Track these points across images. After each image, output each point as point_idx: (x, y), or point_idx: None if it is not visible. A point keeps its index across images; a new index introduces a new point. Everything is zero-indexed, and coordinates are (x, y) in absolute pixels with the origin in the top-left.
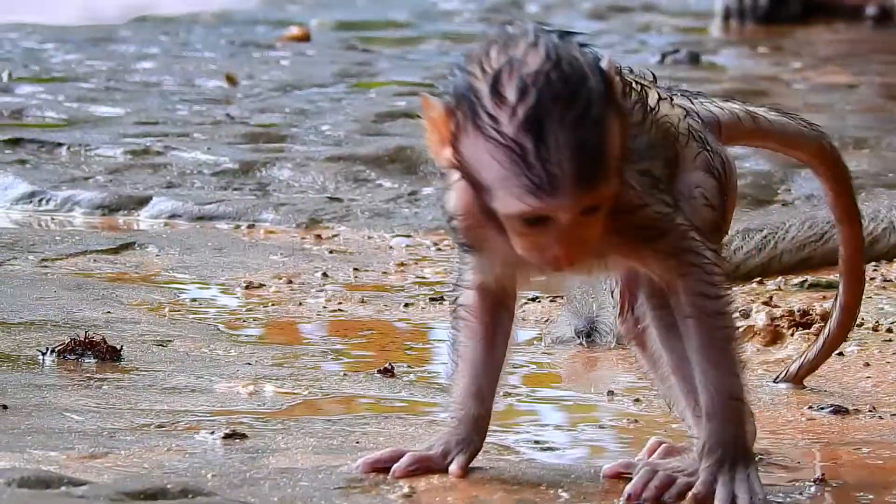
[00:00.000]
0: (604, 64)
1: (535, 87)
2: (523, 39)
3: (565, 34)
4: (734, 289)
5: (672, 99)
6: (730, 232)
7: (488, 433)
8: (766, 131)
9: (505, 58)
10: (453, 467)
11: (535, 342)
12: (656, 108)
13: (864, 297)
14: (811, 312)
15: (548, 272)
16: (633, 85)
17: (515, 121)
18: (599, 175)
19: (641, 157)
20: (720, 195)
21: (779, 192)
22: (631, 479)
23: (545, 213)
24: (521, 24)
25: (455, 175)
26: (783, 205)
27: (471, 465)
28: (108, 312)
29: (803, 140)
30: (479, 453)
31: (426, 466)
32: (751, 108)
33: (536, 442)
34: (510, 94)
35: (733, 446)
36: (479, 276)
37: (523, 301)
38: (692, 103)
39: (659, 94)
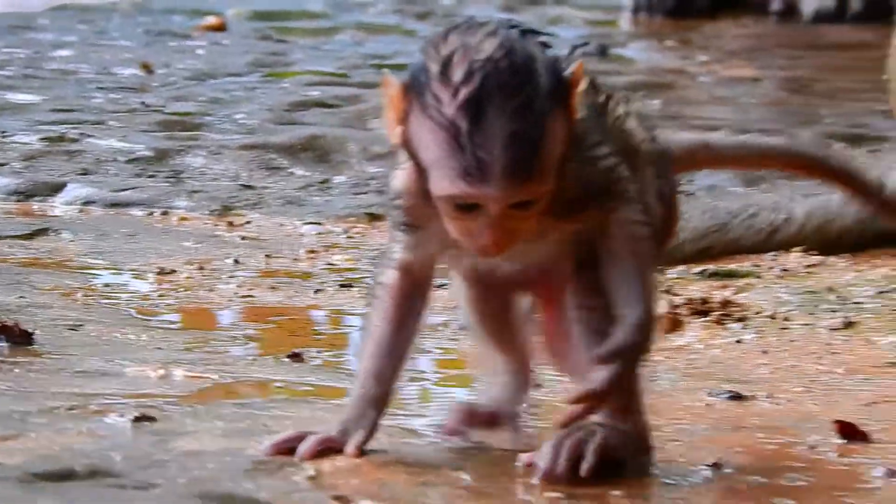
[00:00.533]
0: (570, 68)
1: (481, 72)
2: (483, 28)
3: (532, 32)
4: None
5: (638, 119)
6: None
7: (395, 416)
8: (723, 153)
9: (460, 42)
10: (348, 447)
11: (441, 328)
12: (622, 119)
13: (763, 286)
14: (710, 301)
15: (482, 257)
16: (604, 94)
17: (456, 102)
18: (532, 171)
19: (594, 148)
20: (664, 224)
21: (681, 183)
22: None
23: (474, 200)
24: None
25: (403, 155)
26: (686, 196)
27: (377, 448)
28: (22, 297)
29: (771, 152)
30: (383, 435)
31: (329, 447)
32: (704, 136)
33: (441, 426)
34: (456, 75)
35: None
36: (407, 257)
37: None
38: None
39: (627, 110)
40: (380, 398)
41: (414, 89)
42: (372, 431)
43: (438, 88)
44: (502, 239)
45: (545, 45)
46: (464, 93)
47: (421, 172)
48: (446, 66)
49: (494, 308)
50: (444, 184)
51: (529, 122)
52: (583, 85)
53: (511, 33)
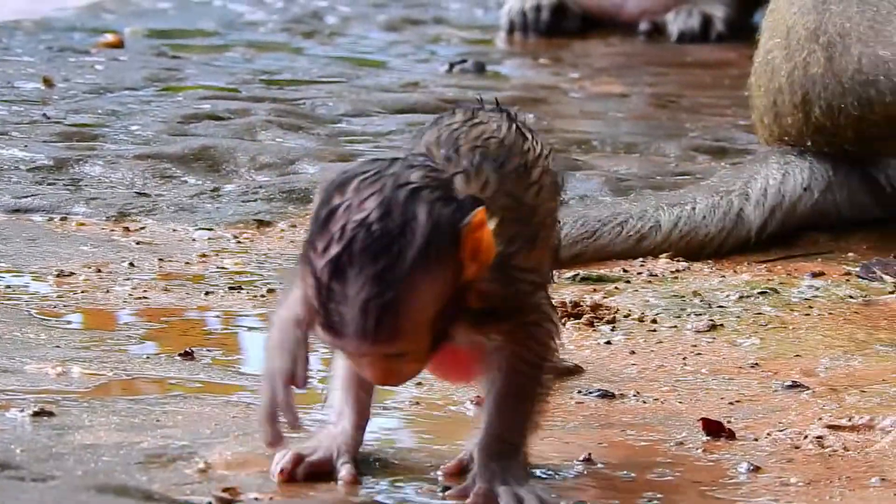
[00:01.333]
0: (467, 218)
1: (350, 234)
2: (377, 181)
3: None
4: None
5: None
6: None
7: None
8: None
9: (348, 196)
10: (343, 474)
11: None
12: (545, 156)
13: (632, 290)
14: (582, 304)
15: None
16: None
17: (323, 259)
18: (390, 333)
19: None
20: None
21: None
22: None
23: (338, 349)
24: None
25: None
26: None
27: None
28: None
29: None
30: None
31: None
32: None
33: (322, 422)
34: (330, 232)
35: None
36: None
37: None
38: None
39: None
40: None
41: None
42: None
43: (317, 239)
44: (384, 378)
45: (446, 197)
46: (331, 252)
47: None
48: (327, 219)
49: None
50: (317, 328)
51: (391, 286)
52: (482, 233)
53: (400, 193)
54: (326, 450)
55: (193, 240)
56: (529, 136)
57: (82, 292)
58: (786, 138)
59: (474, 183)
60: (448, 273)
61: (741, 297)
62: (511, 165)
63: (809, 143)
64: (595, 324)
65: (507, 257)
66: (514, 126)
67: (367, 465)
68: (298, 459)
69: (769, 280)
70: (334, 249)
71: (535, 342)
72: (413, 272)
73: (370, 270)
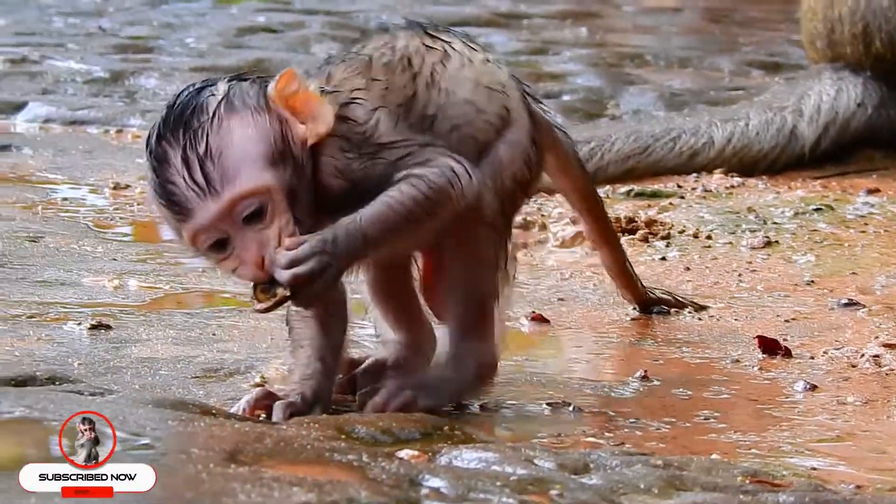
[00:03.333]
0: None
1: (158, 119)
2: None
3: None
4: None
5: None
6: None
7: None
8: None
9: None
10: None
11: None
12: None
13: (686, 206)
14: (636, 219)
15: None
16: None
17: (146, 151)
18: (221, 175)
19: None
20: (522, 188)
21: (608, 106)
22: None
23: (194, 236)
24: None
25: None
26: (612, 118)
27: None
28: None
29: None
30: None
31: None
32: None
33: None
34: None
35: None
36: None
37: None
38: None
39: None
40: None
41: None
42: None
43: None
44: (256, 253)
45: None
46: (151, 139)
47: None
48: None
49: (391, 290)
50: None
51: (202, 138)
52: (295, 92)
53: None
54: (299, 394)
55: None
56: (436, 44)
57: (138, 205)
58: (839, 62)
59: (319, 78)
60: (262, 118)
61: (796, 214)
62: (385, 62)
63: (868, 73)
64: (650, 239)
65: (364, 134)
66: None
67: None
68: (268, 397)
69: (824, 196)
70: (149, 134)
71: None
72: (219, 123)
73: (180, 135)
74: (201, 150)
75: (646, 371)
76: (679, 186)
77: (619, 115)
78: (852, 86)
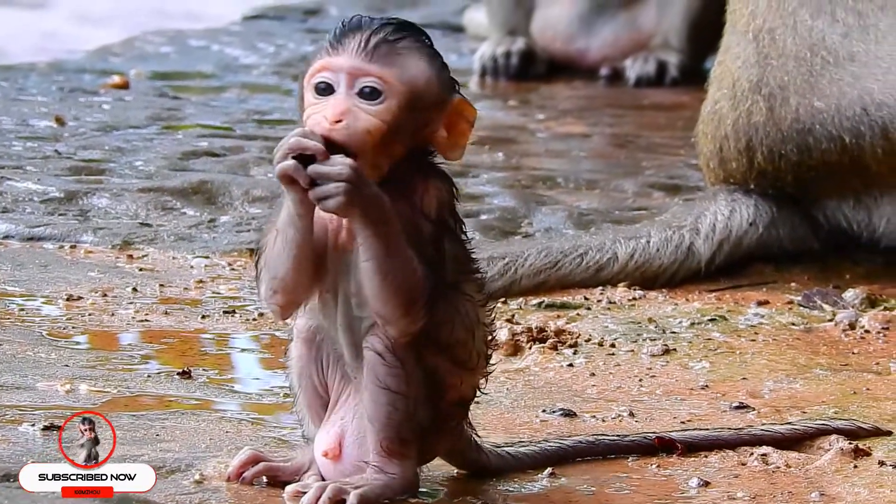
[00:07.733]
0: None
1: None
2: None
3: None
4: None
5: None
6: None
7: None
8: None
9: None
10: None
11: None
12: None
13: (592, 316)
14: (546, 329)
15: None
16: None
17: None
18: (381, 57)
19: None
20: None
21: (522, 225)
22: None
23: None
24: None
25: None
26: (525, 236)
27: None
28: None
29: None
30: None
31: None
32: None
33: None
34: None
35: None
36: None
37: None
38: None
39: None
40: None
41: None
42: None
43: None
44: (340, 112)
45: None
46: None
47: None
48: None
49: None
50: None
51: (397, 38)
52: (463, 116)
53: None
54: (297, 462)
55: (191, 267)
56: None
57: (89, 315)
58: (731, 181)
59: None
60: (431, 101)
61: (692, 324)
62: None
63: (753, 186)
64: (559, 347)
65: (452, 207)
66: None
67: None
68: (256, 460)
69: (718, 308)
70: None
71: None
72: (414, 56)
73: (383, 27)
74: (387, 37)
75: (553, 469)
76: (586, 298)
77: (532, 232)
78: (744, 206)
